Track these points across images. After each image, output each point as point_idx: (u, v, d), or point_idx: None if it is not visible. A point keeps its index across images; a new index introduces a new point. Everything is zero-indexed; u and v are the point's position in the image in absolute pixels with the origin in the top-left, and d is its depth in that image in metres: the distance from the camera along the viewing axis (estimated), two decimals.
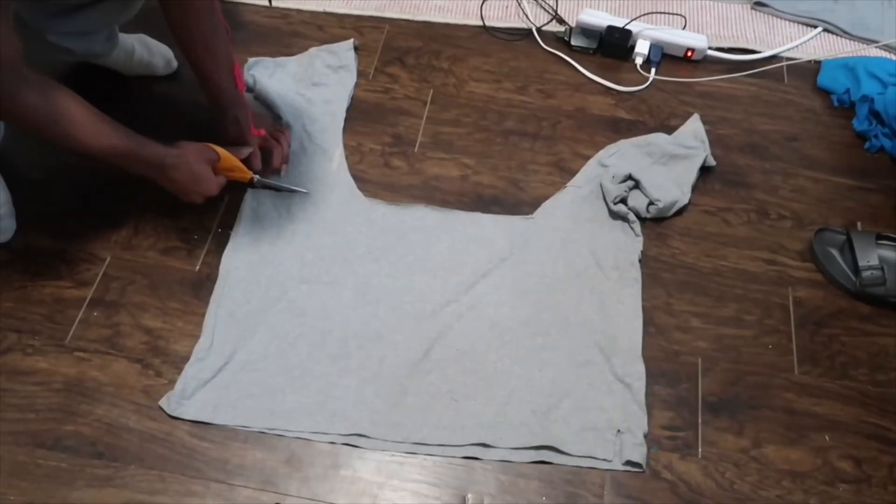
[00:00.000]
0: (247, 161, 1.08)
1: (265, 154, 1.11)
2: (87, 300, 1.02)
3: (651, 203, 1.11)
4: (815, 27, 1.42)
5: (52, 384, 0.95)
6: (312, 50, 1.31)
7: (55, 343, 0.98)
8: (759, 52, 1.37)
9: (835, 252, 1.09)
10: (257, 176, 1.09)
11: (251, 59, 1.27)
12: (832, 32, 1.41)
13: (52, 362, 0.96)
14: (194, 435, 0.91)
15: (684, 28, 1.38)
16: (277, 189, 1.12)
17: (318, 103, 1.23)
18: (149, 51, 1.24)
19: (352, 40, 1.32)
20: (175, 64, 1.27)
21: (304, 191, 1.12)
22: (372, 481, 0.89)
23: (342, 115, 1.22)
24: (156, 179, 1.00)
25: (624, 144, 1.20)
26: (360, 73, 1.30)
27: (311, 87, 1.25)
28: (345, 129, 1.21)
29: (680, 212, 1.14)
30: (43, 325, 1.00)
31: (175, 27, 1.03)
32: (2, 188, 1.05)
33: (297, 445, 0.91)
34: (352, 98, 1.26)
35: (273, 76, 1.26)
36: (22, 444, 0.90)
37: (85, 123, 0.90)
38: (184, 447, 0.91)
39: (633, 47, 1.35)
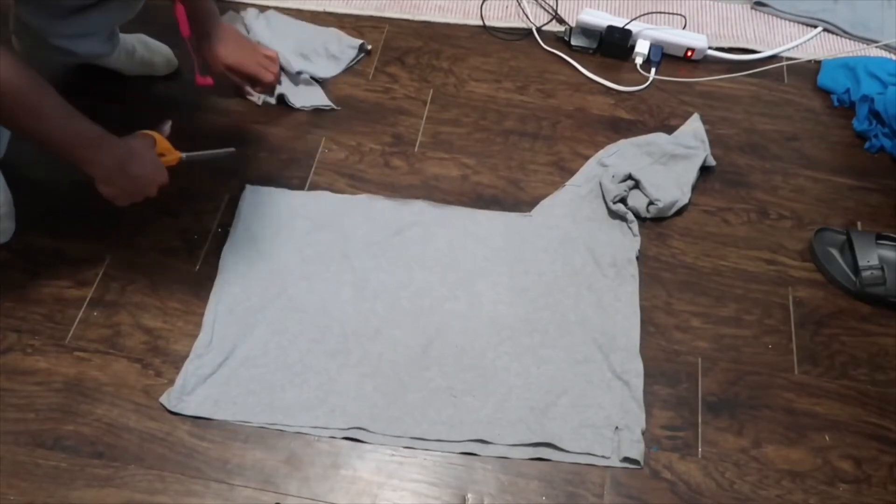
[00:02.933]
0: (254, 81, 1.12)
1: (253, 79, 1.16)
2: (87, 300, 1.02)
3: (651, 203, 1.11)
4: (815, 27, 1.42)
5: (52, 384, 0.95)
6: (332, 29, 1.33)
7: (55, 343, 0.98)
8: (759, 52, 1.37)
9: (835, 252, 1.09)
10: (184, 154, 1.02)
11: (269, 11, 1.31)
12: (832, 32, 1.41)
13: (52, 362, 0.97)
14: (194, 435, 0.91)
15: (684, 28, 1.38)
16: (206, 158, 1.06)
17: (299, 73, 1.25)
18: (149, 50, 1.24)
19: (361, 42, 1.31)
20: (175, 63, 1.27)
21: (231, 149, 1.09)
22: (372, 481, 0.89)
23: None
24: (109, 173, 0.90)
25: (624, 144, 1.20)
26: (360, 73, 1.30)
27: (299, 56, 1.27)
28: (345, 129, 1.22)
29: (680, 212, 1.14)
30: (43, 325, 1.00)
31: None
32: (2, 189, 1.06)
33: (297, 445, 0.91)
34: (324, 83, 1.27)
35: (274, 28, 1.29)
36: (22, 444, 0.90)
37: (60, 108, 0.83)
38: (184, 447, 0.91)
39: (633, 47, 1.35)
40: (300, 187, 1.14)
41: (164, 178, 0.97)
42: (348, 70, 1.30)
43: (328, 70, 1.28)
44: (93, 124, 0.87)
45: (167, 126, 1.02)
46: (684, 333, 1.02)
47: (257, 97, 1.23)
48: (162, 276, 1.05)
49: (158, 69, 1.26)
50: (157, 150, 0.99)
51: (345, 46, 1.31)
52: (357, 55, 1.31)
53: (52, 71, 0.95)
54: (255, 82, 1.20)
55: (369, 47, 1.33)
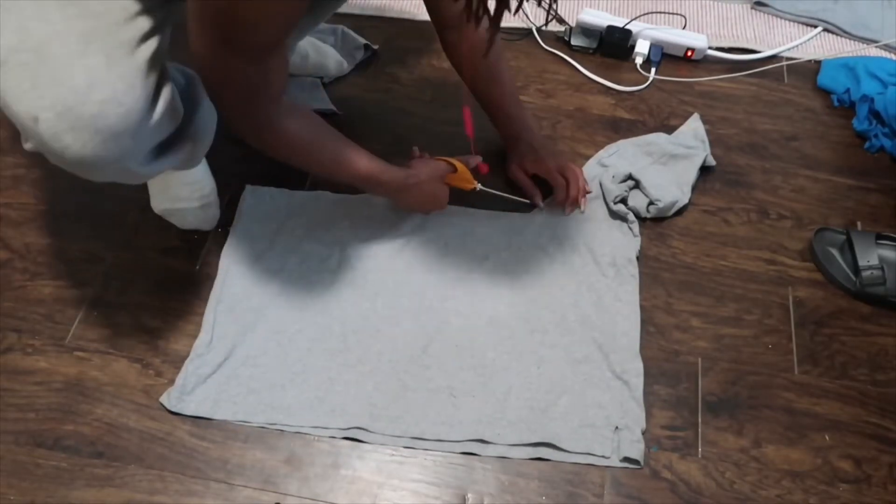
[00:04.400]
0: (473, 170, 1.08)
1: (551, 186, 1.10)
2: (87, 300, 1.02)
3: (651, 203, 1.11)
4: (815, 27, 1.42)
5: (52, 384, 0.95)
6: (340, 27, 1.32)
7: (55, 343, 0.98)
8: (759, 52, 1.37)
9: (835, 252, 1.09)
10: (480, 185, 1.08)
11: None
12: (832, 32, 1.41)
13: (52, 362, 0.97)
14: (194, 435, 0.91)
15: (684, 28, 1.39)
16: (500, 198, 1.11)
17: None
18: (321, 54, 1.25)
19: (366, 42, 1.31)
20: (345, 66, 1.28)
21: (527, 201, 1.11)
22: (372, 481, 0.89)
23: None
24: (388, 198, 1.06)
25: (624, 144, 1.20)
26: (360, 73, 1.30)
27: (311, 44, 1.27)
28: (345, 130, 1.21)
29: (680, 212, 1.14)
30: (43, 324, 1.00)
31: (457, 58, 1.06)
32: (209, 177, 1.06)
33: (297, 445, 0.91)
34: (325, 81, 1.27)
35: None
36: (22, 444, 0.90)
37: (336, 150, 0.92)
38: (184, 447, 0.91)
39: (633, 47, 1.35)
40: (300, 187, 1.14)
41: (440, 207, 1.07)
42: (350, 70, 1.30)
43: (336, 70, 1.28)
44: (370, 162, 0.95)
45: (475, 160, 1.08)
46: (684, 333, 1.02)
47: None
48: (162, 276, 1.05)
49: (330, 72, 1.27)
50: (454, 176, 1.05)
51: (352, 47, 1.30)
52: (364, 54, 1.31)
53: None
54: (537, 194, 1.12)
55: (375, 47, 1.33)
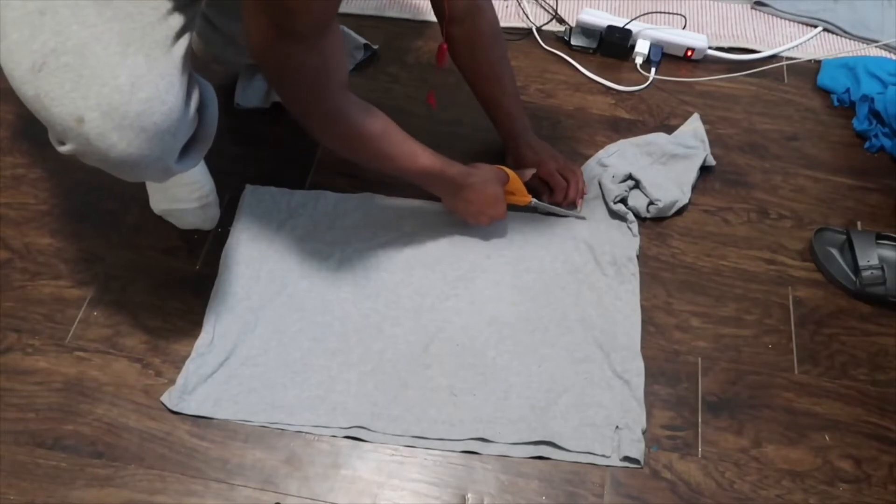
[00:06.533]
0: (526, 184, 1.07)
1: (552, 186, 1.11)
2: (87, 300, 1.02)
3: (651, 203, 1.11)
4: (815, 27, 1.42)
5: (52, 384, 0.95)
6: (339, 27, 1.31)
7: (55, 343, 0.98)
8: (759, 52, 1.37)
9: (835, 252, 1.09)
10: (534, 200, 1.08)
11: None
12: (832, 32, 1.41)
13: (52, 362, 0.96)
14: (194, 434, 0.91)
15: (684, 28, 1.39)
16: (553, 214, 1.11)
17: None
18: None
19: (366, 42, 1.31)
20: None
21: (582, 216, 1.11)
22: (372, 481, 0.89)
23: None
24: (448, 199, 1.02)
25: (624, 144, 1.20)
26: (360, 74, 1.30)
27: None
28: None
29: (680, 211, 1.14)
30: (43, 324, 1.00)
31: (461, 57, 1.05)
32: (207, 177, 1.06)
33: (297, 445, 0.91)
34: None
35: None
36: (22, 443, 0.90)
37: (402, 143, 0.92)
38: (184, 447, 0.91)
39: (633, 47, 1.35)
40: (300, 187, 1.14)
41: (499, 214, 1.04)
42: (351, 70, 1.30)
43: None
44: (434, 158, 0.95)
45: (529, 172, 1.08)
46: (684, 333, 1.02)
47: (240, 100, 1.21)
48: (162, 276, 1.05)
49: None
50: (508, 188, 1.04)
51: (352, 48, 1.30)
52: (364, 54, 1.31)
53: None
54: (547, 190, 1.12)
55: (375, 46, 1.33)
